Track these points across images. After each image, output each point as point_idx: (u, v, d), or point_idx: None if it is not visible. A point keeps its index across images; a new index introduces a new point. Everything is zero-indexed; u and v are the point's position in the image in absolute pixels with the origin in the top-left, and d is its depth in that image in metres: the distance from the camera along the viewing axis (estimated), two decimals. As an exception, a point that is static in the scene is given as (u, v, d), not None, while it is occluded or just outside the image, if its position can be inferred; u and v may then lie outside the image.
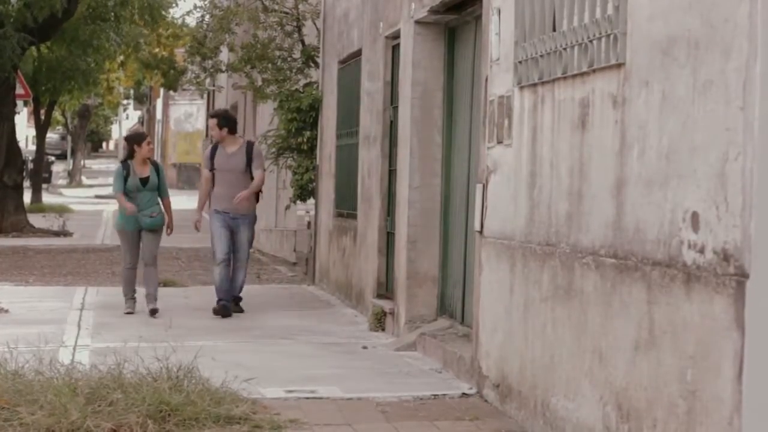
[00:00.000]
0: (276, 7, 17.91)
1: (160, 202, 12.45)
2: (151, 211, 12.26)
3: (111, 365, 7.46)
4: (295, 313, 12.64)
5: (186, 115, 60.90)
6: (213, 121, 12.70)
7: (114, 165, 59.53)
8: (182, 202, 26.37)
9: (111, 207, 37.38)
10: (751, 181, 4.85)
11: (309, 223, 16.83)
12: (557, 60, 6.95)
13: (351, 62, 13.98)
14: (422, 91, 10.72)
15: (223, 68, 20.47)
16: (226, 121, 12.69)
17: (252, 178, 12.49)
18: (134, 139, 12.62)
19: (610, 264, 6.14)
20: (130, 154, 12.45)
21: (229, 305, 12.35)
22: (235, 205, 12.34)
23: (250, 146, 12.70)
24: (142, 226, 12.26)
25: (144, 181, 12.33)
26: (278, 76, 17.35)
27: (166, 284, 14.55)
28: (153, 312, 12.15)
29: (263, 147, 16.73)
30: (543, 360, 7.08)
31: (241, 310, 12.58)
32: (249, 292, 13.30)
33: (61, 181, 57.90)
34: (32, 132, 47.17)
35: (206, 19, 20.04)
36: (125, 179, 12.32)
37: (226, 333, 11.03)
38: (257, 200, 12.72)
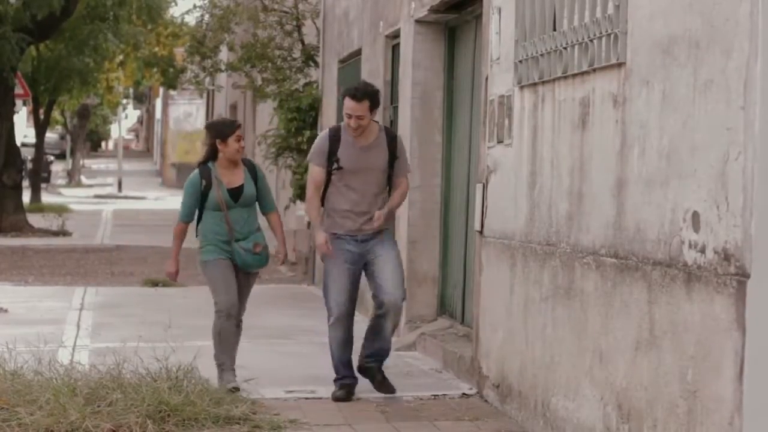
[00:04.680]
0: (276, 7, 17.89)
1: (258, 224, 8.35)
2: (252, 240, 8.13)
3: (110, 365, 7.45)
4: (295, 313, 12.62)
5: (185, 114, 60.83)
6: (362, 106, 7.95)
7: (113, 165, 59.63)
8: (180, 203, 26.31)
9: (110, 207, 37.44)
10: (751, 180, 4.84)
11: (309, 223, 16.80)
12: (557, 59, 6.94)
13: (351, 61, 13.97)
14: (422, 90, 10.71)
15: (223, 68, 20.45)
16: (377, 99, 8.13)
17: (389, 182, 8.30)
18: (217, 131, 8.15)
19: (610, 264, 6.13)
20: (213, 154, 8.16)
21: (354, 384, 8.26)
22: (367, 224, 8.18)
23: (392, 136, 8.35)
24: (239, 265, 8.17)
25: (235, 194, 8.12)
26: (278, 75, 17.32)
27: (165, 284, 14.53)
28: (234, 390, 7.88)
29: (262, 147, 16.71)
30: (543, 360, 7.07)
31: (391, 390, 8.27)
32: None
33: (60, 181, 57.82)
34: (31, 131, 47.09)
35: (206, 19, 20.03)
36: (204, 195, 8.08)
37: (225, 333, 11.00)
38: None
